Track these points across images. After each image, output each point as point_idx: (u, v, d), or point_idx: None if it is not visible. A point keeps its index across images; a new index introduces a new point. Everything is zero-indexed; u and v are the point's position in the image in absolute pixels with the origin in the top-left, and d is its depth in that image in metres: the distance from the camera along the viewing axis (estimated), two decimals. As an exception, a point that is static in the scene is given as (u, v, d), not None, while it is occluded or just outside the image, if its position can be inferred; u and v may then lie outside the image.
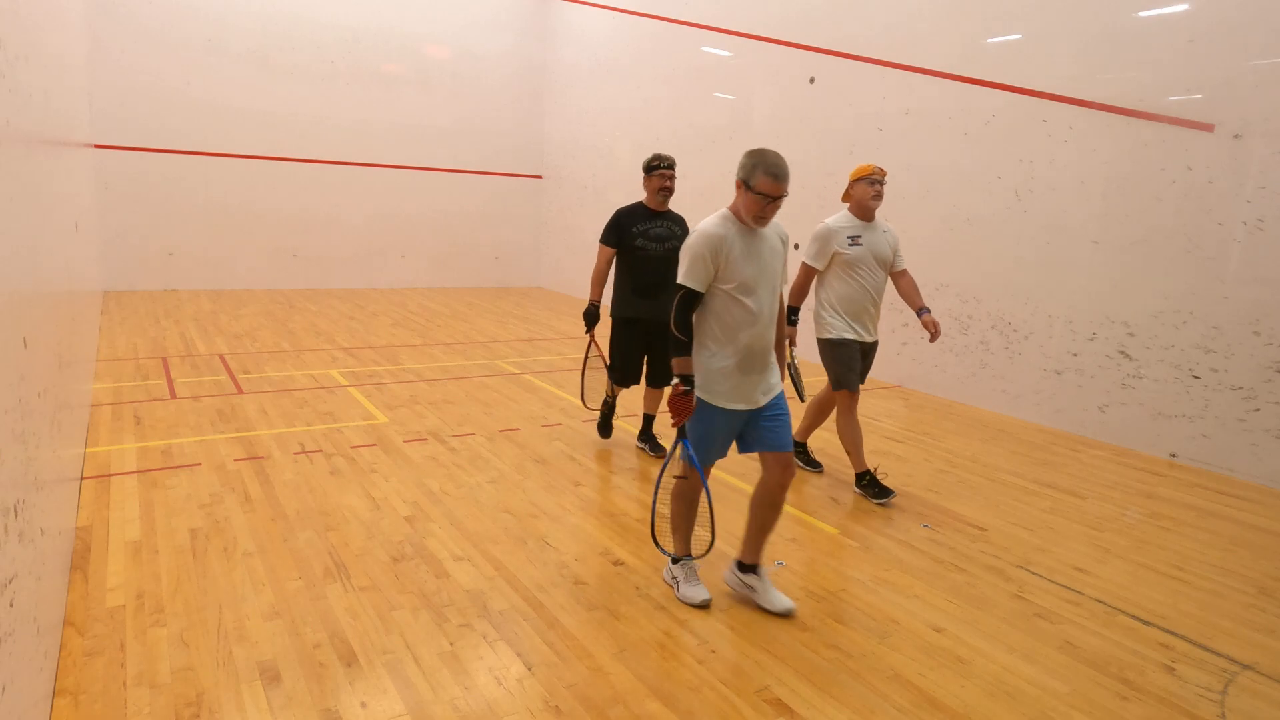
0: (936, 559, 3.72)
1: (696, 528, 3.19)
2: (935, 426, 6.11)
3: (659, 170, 4.73)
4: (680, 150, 10.63)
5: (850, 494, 4.53)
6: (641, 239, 4.75)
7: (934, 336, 4.37)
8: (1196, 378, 5.35)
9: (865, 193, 4.34)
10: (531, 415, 5.86)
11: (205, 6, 11.32)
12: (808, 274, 4.53)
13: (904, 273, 4.55)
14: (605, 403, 5.15)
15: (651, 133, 11.26)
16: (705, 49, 10.10)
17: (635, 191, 13.87)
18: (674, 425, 2.98)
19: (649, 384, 4.98)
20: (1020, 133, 6.36)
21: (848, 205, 4.49)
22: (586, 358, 5.27)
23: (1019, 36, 6.42)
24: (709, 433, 3.05)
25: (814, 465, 4.96)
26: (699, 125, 10.26)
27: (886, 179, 4.46)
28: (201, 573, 3.20)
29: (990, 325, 6.68)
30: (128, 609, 2.90)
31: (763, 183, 2.97)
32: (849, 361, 4.37)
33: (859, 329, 4.41)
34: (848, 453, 4.50)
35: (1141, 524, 4.29)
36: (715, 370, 2.98)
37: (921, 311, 4.44)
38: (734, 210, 3.08)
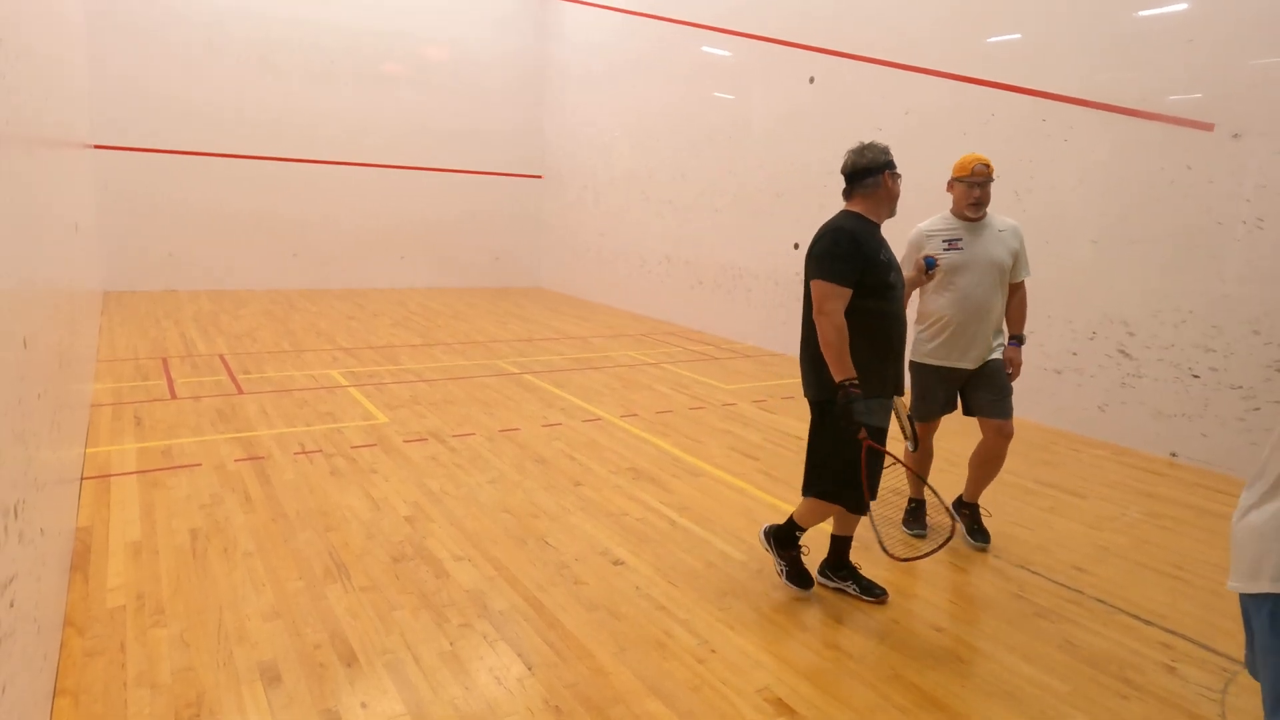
0: (936, 558, 3.72)
1: None
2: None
3: (896, 169, 3.12)
4: (680, 150, 10.65)
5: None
6: (894, 274, 3.06)
7: (1010, 377, 3.73)
8: (1196, 377, 5.35)
9: (962, 197, 3.62)
10: (531, 415, 5.86)
11: (205, 7, 11.32)
12: (908, 284, 3.65)
13: (1020, 286, 3.75)
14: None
15: (651, 133, 11.27)
16: (705, 49, 10.10)
17: (636, 192, 13.75)
18: None
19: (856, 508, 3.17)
20: (1020, 133, 6.36)
21: (952, 205, 3.76)
22: (869, 472, 2.99)
23: (1019, 36, 6.42)
24: None
25: (982, 538, 3.84)
26: (699, 125, 10.26)
27: (993, 177, 3.63)
28: (202, 573, 3.20)
29: (990, 325, 6.68)
30: (128, 609, 2.90)
31: None
32: (923, 390, 3.79)
33: (952, 351, 3.69)
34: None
35: (1141, 523, 4.29)
36: None
37: (1011, 340, 3.76)
38: None
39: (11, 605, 1.74)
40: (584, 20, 12.86)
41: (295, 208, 12.44)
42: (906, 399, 3.37)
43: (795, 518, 3.32)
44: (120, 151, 11.00)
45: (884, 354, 3.03)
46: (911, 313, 3.46)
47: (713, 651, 2.82)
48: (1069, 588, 3.48)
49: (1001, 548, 3.86)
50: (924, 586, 3.42)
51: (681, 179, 10.66)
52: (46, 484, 2.54)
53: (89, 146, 9.20)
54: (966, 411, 3.82)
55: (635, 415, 5.99)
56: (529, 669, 2.66)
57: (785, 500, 4.36)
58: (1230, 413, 5.18)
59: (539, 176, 14.66)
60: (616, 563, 3.50)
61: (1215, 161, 5.20)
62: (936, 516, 3.82)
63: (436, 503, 4.08)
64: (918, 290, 3.75)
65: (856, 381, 2.85)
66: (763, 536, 3.42)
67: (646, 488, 4.46)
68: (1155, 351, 5.57)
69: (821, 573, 3.40)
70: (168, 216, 11.47)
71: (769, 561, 3.57)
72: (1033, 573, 3.60)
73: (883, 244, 3.04)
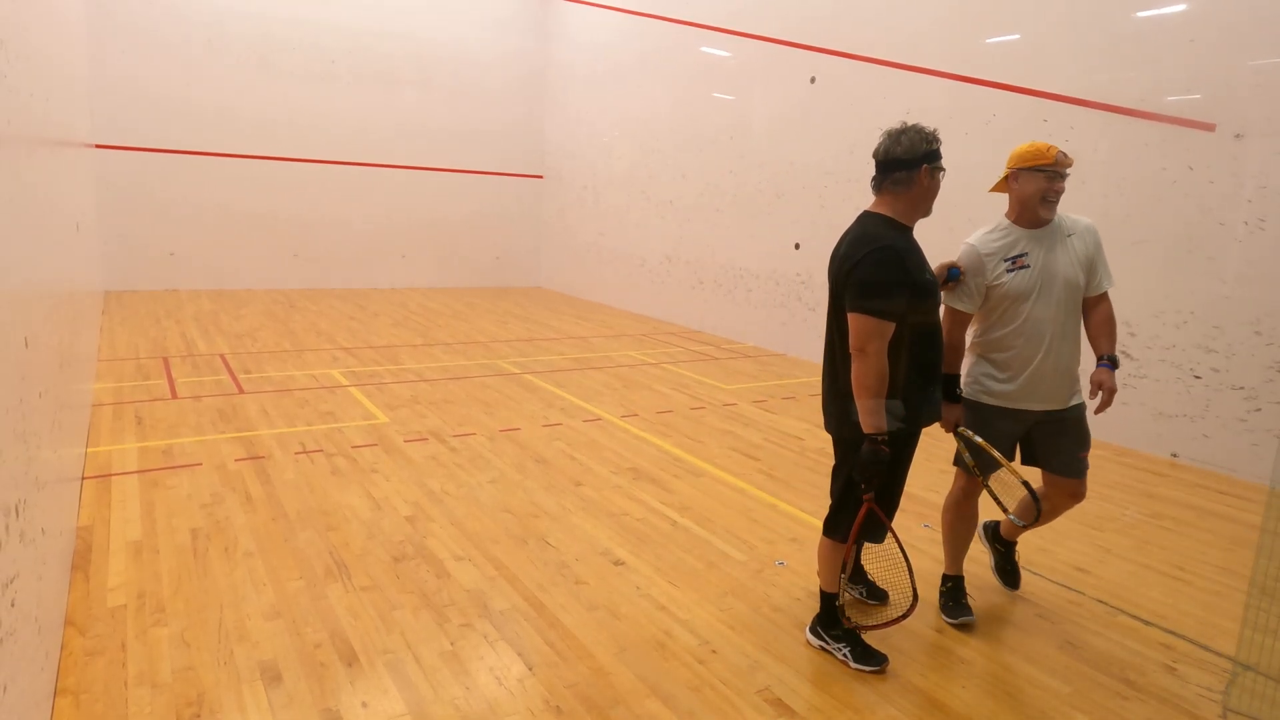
0: (936, 559, 3.72)
1: None
2: (935, 426, 6.10)
3: (940, 161, 2.67)
4: (681, 150, 10.65)
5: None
6: (938, 288, 2.76)
7: (1100, 405, 2.83)
8: (1198, 378, 5.35)
9: (1036, 189, 2.82)
10: (532, 415, 5.86)
11: (205, 7, 11.32)
12: (955, 321, 2.97)
13: (1103, 298, 2.95)
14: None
15: (652, 133, 11.27)
16: (705, 49, 10.10)
17: (636, 192, 13.73)
18: None
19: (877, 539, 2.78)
20: (1020, 133, 6.35)
21: (1009, 209, 2.96)
22: (860, 534, 2.72)
23: (1019, 36, 6.42)
24: None
25: (1012, 580, 3.37)
26: (699, 125, 10.26)
27: (1070, 170, 2.87)
28: (202, 572, 3.20)
29: (991, 325, 6.68)
30: (129, 609, 2.90)
31: None
32: (981, 436, 2.94)
33: (1019, 391, 2.91)
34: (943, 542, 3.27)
35: (1142, 524, 4.29)
36: None
37: (1101, 361, 2.89)
38: None
39: (13, 605, 1.74)
40: (585, 20, 12.86)
41: (295, 208, 12.44)
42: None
43: (823, 585, 2.88)
44: (121, 151, 11.00)
45: (926, 375, 2.69)
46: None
47: (713, 652, 2.82)
48: (1070, 588, 3.48)
49: (1002, 548, 3.86)
50: (925, 588, 3.42)
51: (682, 179, 10.65)
52: (48, 483, 2.54)
53: (90, 146, 9.20)
54: (1028, 460, 3.08)
55: (636, 415, 6.00)
56: (529, 669, 2.66)
57: (785, 500, 4.36)
58: (1232, 413, 5.18)
59: (539, 176, 14.66)
60: (617, 563, 3.50)
61: (1216, 162, 5.19)
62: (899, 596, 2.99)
63: (437, 502, 4.09)
64: (979, 315, 3.01)
65: (886, 439, 2.52)
66: (810, 637, 2.92)
67: (647, 488, 4.46)
68: (1156, 352, 5.57)
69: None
70: (168, 216, 11.47)
71: (769, 561, 3.57)
72: (1033, 573, 3.60)
73: (922, 260, 2.65)
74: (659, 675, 2.66)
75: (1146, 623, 3.20)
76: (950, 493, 3.20)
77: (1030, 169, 2.83)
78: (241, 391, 6.12)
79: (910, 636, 3.00)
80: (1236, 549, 4.01)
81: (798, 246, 8.78)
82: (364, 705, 2.42)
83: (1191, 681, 2.79)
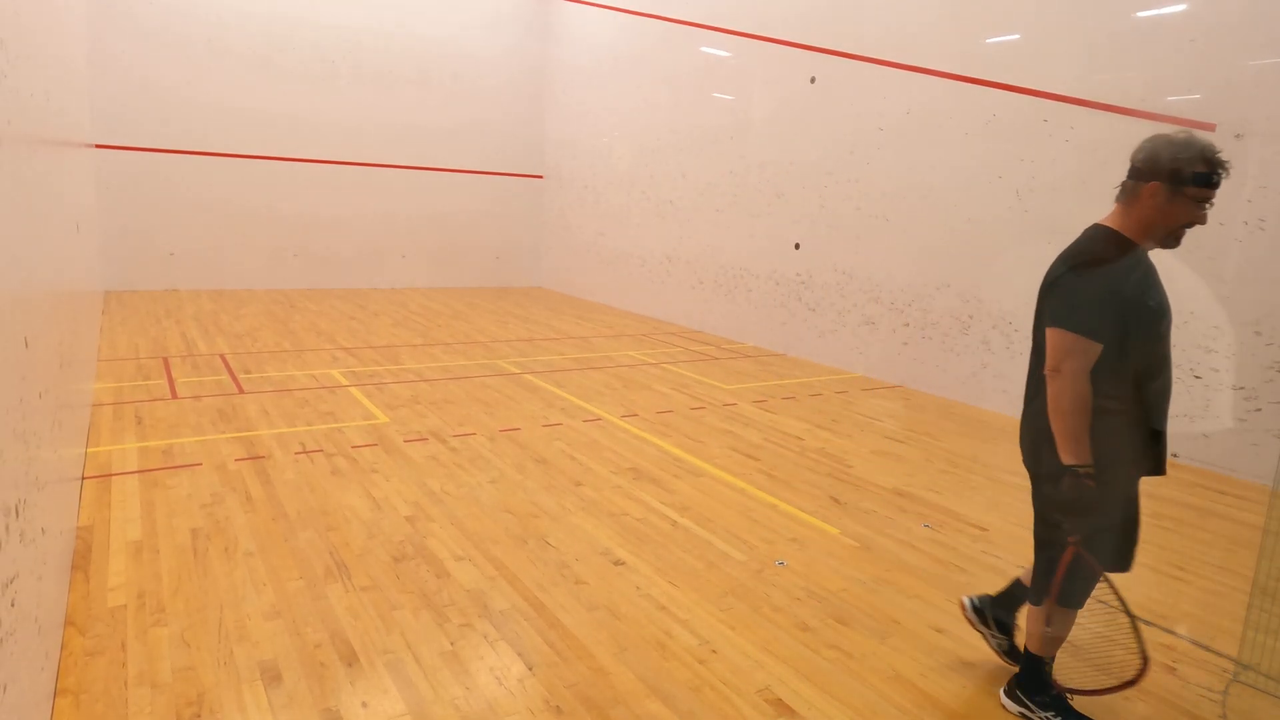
0: (938, 559, 3.72)
1: None
2: (936, 427, 6.11)
3: (1209, 182, 2.21)
4: (681, 150, 10.65)
5: (853, 494, 4.52)
6: (1165, 322, 2.30)
7: None
8: (1198, 377, 5.35)
9: None
10: (532, 415, 5.86)
11: (206, 7, 11.33)
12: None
13: None
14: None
15: (652, 132, 11.27)
16: (705, 49, 10.11)
17: (636, 192, 13.75)
18: None
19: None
20: (1020, 133, 6.36)
21: None
22: (1061, 584, 2.42)
23: (1019, 36, 6.42)
24: None
25: None
26: (699, 125, 10.26)
27: None
28: (202, 572, 3.20)
29: (991, 325, 6.68)
30: (129, 609, 2.90)
31: None
32: None
33: None
34: None
35: (1143, 524, 4.28)
36: None
37: None
38: None
39: (13, 605, 1.74)
40: (584, 20, 12.87)
41: (296, 207, 12.44)
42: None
43: (1029, 644, 2.55)
44: (122, 151, 11.01)
45: (1148, 422, 2.28)
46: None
47: (713, 652, 2.82)
48: (1069, 588, 3.47)
49: (1003, 548, 3.86)
50: (925, 587, 3.42)
51: (682, 179, 10.66)
52: (48, 483, 2.54)
53: (91, 146, 9.20)
54: None
55: (636, 415, 6.00)
56: (529, 669, 2.66)
57: (785, 500, 4.36)
58: (1231, 413, 5.18)
59: (539, 176, 14.66)
60: (617, 563, 3.50)
61: (1216, 162, 5.19)
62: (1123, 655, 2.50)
63: (437, 502, 4.09)
64: None
65: (1092, 470, 2.18)
66: (1007, 701, 2.57)
67: (647, 488, 4.46)
68: (1156, 352, 5.57)
69: (1012, 694, 2.58)
70: (169, 216, 11.47)
71: (769, 561, 3.57)
72: (1033, 573, 3.60)
73: (1151, 282, 2.25)
74: (659, 675, 2.66)
75: (1146, 622, 3.19)
76: None
77: None
78: (241, 391, 6.13)
79: (910, 636, 3.00)
80: (1236, 549, 4.01)
81: (798, 246, 8.78)
82: (364, 705, 2.42)
83: (1191, 681, 2.79)
